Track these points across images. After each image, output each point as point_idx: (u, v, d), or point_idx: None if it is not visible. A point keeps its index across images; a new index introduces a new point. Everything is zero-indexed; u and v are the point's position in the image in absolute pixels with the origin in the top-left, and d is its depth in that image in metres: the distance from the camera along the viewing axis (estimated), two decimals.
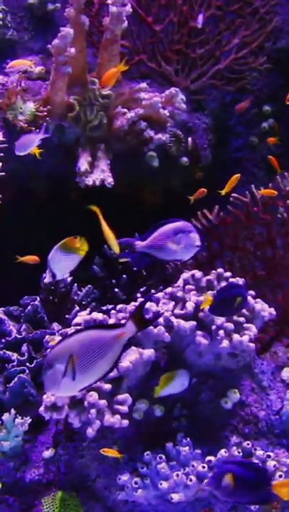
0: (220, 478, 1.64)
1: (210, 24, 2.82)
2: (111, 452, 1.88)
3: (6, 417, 2.02)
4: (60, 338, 1.98)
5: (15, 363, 2.13)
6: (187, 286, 2.08)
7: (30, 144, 2.22)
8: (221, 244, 2.44)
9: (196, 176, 2.81)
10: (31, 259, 2.30)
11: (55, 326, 2.29)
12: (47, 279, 2.23)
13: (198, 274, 2.09)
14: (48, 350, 2.05)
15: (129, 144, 2.54)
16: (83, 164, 2.42)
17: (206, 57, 2.84)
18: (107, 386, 1.86)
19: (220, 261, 2.43)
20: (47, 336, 2.13)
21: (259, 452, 1.92)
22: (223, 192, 2.40)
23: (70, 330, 1.98)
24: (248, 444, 1.94)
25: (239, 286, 1.92)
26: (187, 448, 1.90)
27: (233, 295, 1.89)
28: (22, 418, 2.03)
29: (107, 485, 1.96)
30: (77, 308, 2.35)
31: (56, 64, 2.38)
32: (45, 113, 2.43)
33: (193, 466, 1.87)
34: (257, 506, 1.87)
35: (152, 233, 1.85)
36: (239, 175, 2.43)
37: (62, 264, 1.88)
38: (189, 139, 2.66)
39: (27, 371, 2.12)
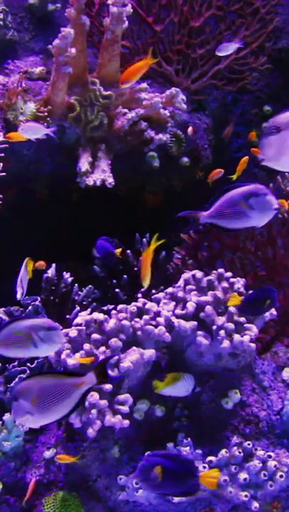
0: (147, 470, 1.64)
1: (210, 24, 2.82)
2: (67, 458, 1.91)
3: (6, 417, 2.02)
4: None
5: (15, 363, 2.13)
6: (188, 287, 2.08)
7: (36, 132, 2.22)
8: (222, 244, 2.44)
9: (196, 176, 2.81)
10: (40, 264, 2.32)
11: None
12: (18, 295, 2.21)
13: (199, 274, 2.09)
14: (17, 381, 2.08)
15: (130, 144, 2.54)
16: (84, 164, 2.42)
17: (206, 58, 2.84)
18: (108, 386, 1.86)
19: (221, 261, 2.43)
20: None
21: (260, 452, 1.93)
22: (234, 177, 2.39)
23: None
24: (248, 444, 1.94)
25: (271, 290, 1.92)
26: (188, 448, 1.90)
27: (264, 297, 1.89)
28: None
29: (108, 485, 1.96)
30: (78, 308, 2.35)
31: (57, 64, 2.38)
32: (46, 113, 2.43)
33: None
34: (258, 506, 1.87)
35: (217, 201, 1.68)
36: (248, 157, 2.42)
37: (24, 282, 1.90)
38: (190, 128, 2.65)
39: (28, 371, 2.12)
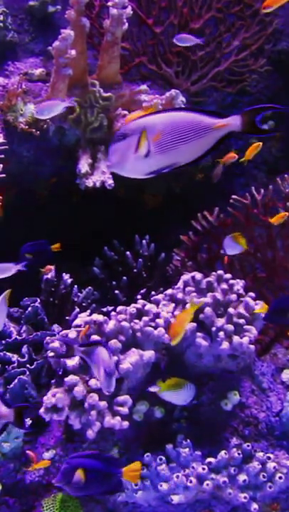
0: (69, 473, 1.64)
1: (210, 26, 2.82)
2: (41, 464, 1.90)
3: None
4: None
5: (15, 365, 2.13)
6: (187, 288, 2.09)
7: (53, 110, 2.21)
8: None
9: (196, 177, 2.81)
10: (48, 269, 2.36)
11: (56, 327, 2.29)
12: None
13: (198, 275, 2.10)
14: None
15: None
16: (83, 166, 2.43)
17: (206, 60, 2.84)
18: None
19: (220, 263, 2.44)
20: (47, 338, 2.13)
21: (259, 454, 1.93)
22: (244, 159, 2.39)
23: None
24: (248, 446, 1.94)
25: None
26: (187, 449, 1.91)
27: None
28: None
29: None
30: (78, 309, 2.35)
31: (57, 66, 2.38)
32: None
33: (193, 467, 1.87)
34: (257, 508, 1.87)
35: None
36: (260, 143, 2.41)
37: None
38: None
39: (27, 373, 2.12)
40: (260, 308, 2.00)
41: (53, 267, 2.38)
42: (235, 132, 1.36)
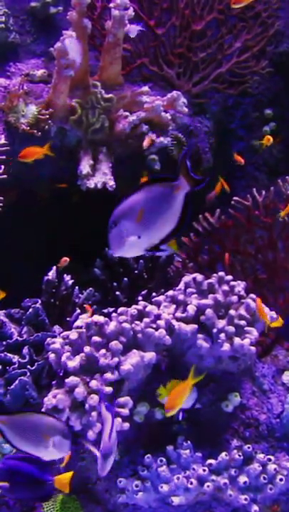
0: (1, 474, 1.64)
1: (212, 28, 2.82)
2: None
3: None
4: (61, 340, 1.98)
5: (16, 366, 2.13)
6: (188, 290, 2.08)
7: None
8: (222, 248, 2.44)
9: None
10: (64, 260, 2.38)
11: (57, 328, 2.29)
12: None
13: (199, 277, 2.10)
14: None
15: (131, 147, 2.54)
16: (85, 167, 2.43)
17: (207, 61, 2.84)
18: (109, 389, 1.86)
19: (221, 264, 2.43)
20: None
21: (260, 456, 1.93)
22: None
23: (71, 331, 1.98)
24: (248, 448, 1.94)
25: None
26: (188, 451, 1.90)
27: None
28: None
29: (108, 488, 1.96)
30: (79, 311, 2.35)
31: (58, 67, 2.38)
32: (47, 116, 2.44)
33: (193, 469, 1.87)
34: (258, 510, 1.86)
35: None
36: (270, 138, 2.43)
37: None
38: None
39: (28, 374, 2.12)
40: (277, 322, 2.00)
41: (67, 259, 2.39)
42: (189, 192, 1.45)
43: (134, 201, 1.43)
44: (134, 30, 2.45)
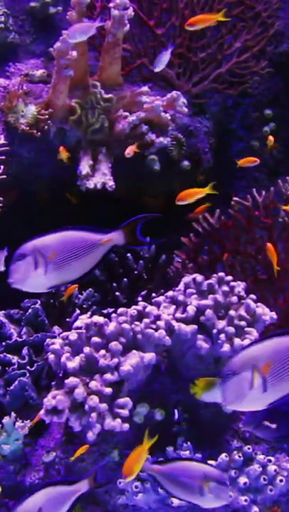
0: None
1: (212, 28, 2.82)
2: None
3: (6, 420, 2.02)
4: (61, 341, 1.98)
5: (15, 366, 2.13)
6: (188, 290, 2.08)
7: (87, 31, 2.22)
8: (222, 248, 2.43)
9: (197, 179, 2.81)
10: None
11: (56, 329, 2.28)
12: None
13: (199, 277, 2.09)
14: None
15: None
16: (84, 167, 2.42)
17: (207, 61, 2.84)
18: (108, 390, 1.86)
19: (221, 265, 2.43)
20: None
21: (260, 457, 1.92)
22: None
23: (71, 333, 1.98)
24: (248, 449, 1.93)
25: None
26: (188, 452, 1.90)
27: None
28: (22, 421, 2.03)
29: (108, 489, 1.96)
30: (78, 311, 2.35)
31: (58, 67, 2.38)
32: (47, 116, 2.43)
33: None
34: (258, 511, 1.86)
35: None
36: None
37: None
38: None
39: (27, 374, 2.12)
40: None
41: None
42: (118, 245, 1.51)
43: (55, 239, 1.48)
44: (166, 56, 2.46)
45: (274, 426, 1.76)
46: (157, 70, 2.50)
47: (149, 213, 1.57)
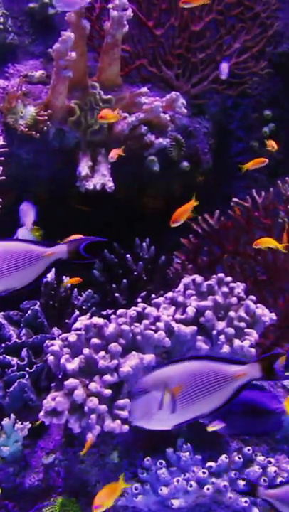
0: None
1: (211, 29, 2.82)
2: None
3: (5, 422, 2.01)
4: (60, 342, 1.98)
5: (15, 368, 2.13)
6: (188, 291, 2.08)
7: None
8: (222, 249, 2.43)
9: (196, 180, 2.81)
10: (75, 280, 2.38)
11: (55, 330, 2.28)
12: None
13: (198, 278, 2.09)
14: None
15: (130, 149, 2.54)
16: (84, 168, 2.42)
17: (206, 62, 2.84)
18: (108, 391, 1.85)
19: (220, 266, 2.43)
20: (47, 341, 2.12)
21: (260, 458, 1.92)
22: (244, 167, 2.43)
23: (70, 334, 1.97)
24: (248, 450, 1.93)
25: None
26: (187, 453, 1.90)
27: None
28: (22, 423, 2.03)
29: None
30: (78, 313, 2.34)
31: (57, 68, 2.37)
32: (46, 117, 2.43)
33: (193, 471, 1.86)
34: (257, 511, 1.86)
35: None
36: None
37: None
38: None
39: (27, 376, 2.11)
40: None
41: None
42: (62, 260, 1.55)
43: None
44: (225, 68, 2.47)
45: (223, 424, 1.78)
46: (223, 77, 2.59)
47: (96, 237, 1.63)
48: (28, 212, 2.24)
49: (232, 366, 1.38)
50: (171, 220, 2.22)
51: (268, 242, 2.20)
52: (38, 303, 2.30)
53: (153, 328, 1.96)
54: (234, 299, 2.04)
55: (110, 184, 2.40)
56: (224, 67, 2.57)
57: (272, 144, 2.57)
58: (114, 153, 2.39)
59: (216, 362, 1.38)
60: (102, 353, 1.91)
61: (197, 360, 1.41)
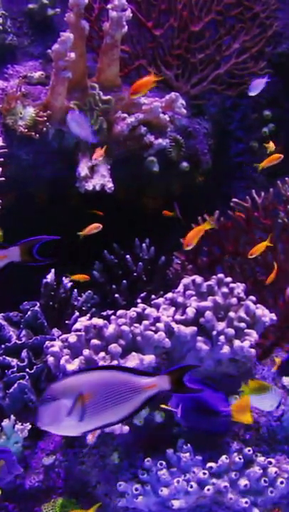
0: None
1: (210, 29, 2.82)
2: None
3: (5, 423, 2.01)
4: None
5: (15, 369, 2.12)
6: (188, 292, 2.08)
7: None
8: (222, 250, 2.43)
9: (196, 180, 2.81)
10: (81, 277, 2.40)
11: (55, 331, 2.28)
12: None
13: (198, 279, 2.09)
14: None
15: (130, 149, 2.54)
16: (83, 169, 2.42)
17: (206, 62, 2.83)
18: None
19: (220, 266, 2.43)
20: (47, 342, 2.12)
21: (260, 459, 1.92)
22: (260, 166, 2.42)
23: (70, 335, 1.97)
24: (248, 451, 1.93)
25: None
26: (188, 454, 1.89)
27: None
28: (22, 424, 2.03)
29: (108, 491, 1.95)
30: (77, 313, 2.34)
31: (56, 69, 2.37)
32: (45, 118, 2.43)
33: (194, 472, 1.86)
34: None
35: None
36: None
37: None
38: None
39: (27, 377, 2.11)
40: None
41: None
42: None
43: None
44: (260, 83, 2.47)
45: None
46: (251, 94, 2.56)
47: (48, 236, 1.62)
48: (80, 123, 2.23)
49: (142, 378, 1.38)
50: (185, 244, 2.22)
51: (260, 248, 2.21)
52: (38, 304, 2.30)
53: (153, 328, 1.96)
54: (234, 300, 2.04)
55: (110, 185, 2.40)
56: (259, 83, 2.54)
57: (270, 146, 2.56)
58: (98, 154, 2.39)
59: (126, 373, 1.39)
60: (102, 354, 1.91)
61: (107, 370, 1.41)
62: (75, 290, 2.44)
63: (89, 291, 2.49)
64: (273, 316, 2.04)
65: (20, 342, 2.19)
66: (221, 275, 2.10)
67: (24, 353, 2.16)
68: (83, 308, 2.44)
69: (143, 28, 2.77)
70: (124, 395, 1.36)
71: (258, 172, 2.52)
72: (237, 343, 1.95)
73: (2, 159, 2.34)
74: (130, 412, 1.38)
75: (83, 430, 1.39)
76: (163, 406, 1.87)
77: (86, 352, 1.90)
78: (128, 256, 2.57)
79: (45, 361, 2.03)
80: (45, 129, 2.44)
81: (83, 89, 2.50)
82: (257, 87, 2.51)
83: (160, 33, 2.78)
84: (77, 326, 2.00)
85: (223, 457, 1.89)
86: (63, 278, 2.43)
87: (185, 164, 2.72)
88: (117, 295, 2.49)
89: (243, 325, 1.99)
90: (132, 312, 2.00)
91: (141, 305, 2.04)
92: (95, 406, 1.35)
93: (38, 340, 2.19)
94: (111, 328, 1.94)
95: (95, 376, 1.38)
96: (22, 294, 2.33)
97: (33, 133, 2.42)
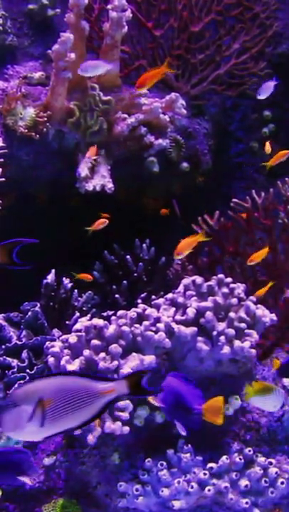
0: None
1: (210, 29, 2.82)
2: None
3: None
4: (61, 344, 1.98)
5: (15, 370, 2.12)
6: (188, 292, 2.08)
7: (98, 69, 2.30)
8: (222, 250, 2.43)
9: (196, 181, 2.81)
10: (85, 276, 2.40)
11: (56, 332, 2.28)
12: None
13: (199, 279, 2.09)
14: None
15: (130, 150, 2.54)
16: (83, 170, 2.42)
17: (206, 63, 2.83)
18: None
19: (220, 266, 2.43)
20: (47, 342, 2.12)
21: (261, 459, 1.92)
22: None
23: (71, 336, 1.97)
24: (249, 451, 1.93)
25: None
26: (188, 455, 1.90)
27: None
28: None
29: (108, 492, 1.95)
30: (78, 314, 2.34)
31: (56, 69, 2.37)
32: (45, 118, 2.43)
33: (194, 473, 1.86)
34: None
35: None
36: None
37: None
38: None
39: (27, 378, 2.11)
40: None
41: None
42: None
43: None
44: (269, 87, 2.48)
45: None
46: (260, 97, 2.57)
47: (26, 238, 1.63)
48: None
49: (100, 383, 1.39)
50: (176, 252, 2.21)
51: (261, 255, 2.21)
52: (39, 304, 2.30)
53: (153, 329, 1.96)
54: (234, 300, 2.04)
55: (110, 185, 2.40)
56: (268, 86, 2.54)
57: (268, 148, 2.56)
58: (92, 153, 2.39)
59: (85, 378, 1.40)
60: (102, 355, 1.91)
61: (67, 376, 1.42)
62: (76, 291, 2.44)
63: (89, 292, 2.49)
64: (273, 317, 2.04)
65: (20, 342, 2.19)
66: (221, 275, 2.10)
67: (24, 354, 2.16)
68: (84, 308, 2.44)
69: (143, 29, 2.77)
70: (84, 400, 1.38)
71: (267, 170, 2.52)
72: (237, 343, 1.95)
73: (2, 160, 2.34)
74: (90, 416, 1.40)
75: (45, 435, 1.39)
76: (150, 400, 1.87)
77: (86, 352, 1.90)
78: (128, 256, 2.57)
79: (46, 362, 2.03)
80: (45, 129, 2.43)
81: (83, 89, 2.50)
82: (266, 90, 2.51)
83: (160, 34, 2.78)
84: (77, 326, 2.00)
85: (224, 458, 1.89)
86: (64, 278, 2.43)
87: (185, 164, 2.72)
88: (117, 295, 2.49)
89: (243, 325, 1.99)
90: (133, 312, 2.00)
91: (141, 305, 2.04)
92: (55, 411, 1.36)
93: (38, 341, 2.19)
94: (111, 329, 1.94)
95: (55, 382, 1.39)
96: (22, 295, 2.33)
97: (33, 133, 2.42)
